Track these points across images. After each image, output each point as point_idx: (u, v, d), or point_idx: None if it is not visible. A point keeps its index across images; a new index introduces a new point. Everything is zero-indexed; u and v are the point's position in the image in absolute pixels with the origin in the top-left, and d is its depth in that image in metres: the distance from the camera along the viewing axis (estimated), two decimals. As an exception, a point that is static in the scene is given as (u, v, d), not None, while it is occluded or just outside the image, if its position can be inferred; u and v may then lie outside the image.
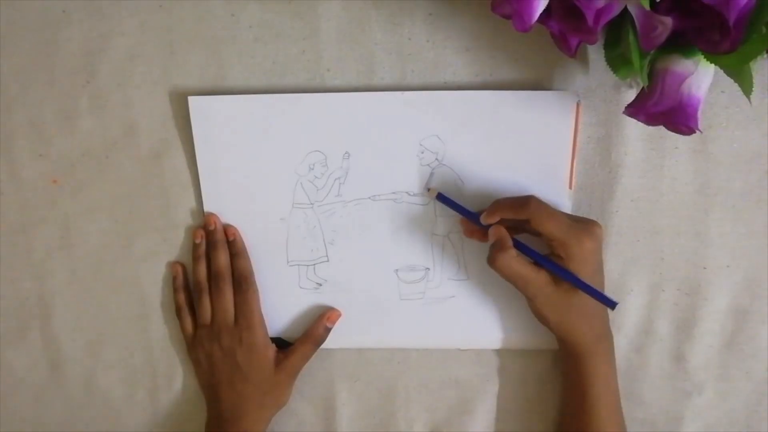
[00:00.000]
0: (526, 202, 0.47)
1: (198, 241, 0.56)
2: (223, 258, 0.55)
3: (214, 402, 0.57)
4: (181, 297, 0.58)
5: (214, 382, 0.57)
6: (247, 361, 0.55)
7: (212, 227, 0.55)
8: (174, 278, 0.58)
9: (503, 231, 0.48)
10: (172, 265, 0.58)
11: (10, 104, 0.54)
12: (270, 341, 0.57)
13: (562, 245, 0.46)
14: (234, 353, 0.55)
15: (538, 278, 0.47)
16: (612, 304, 0.47)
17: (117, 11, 0.51)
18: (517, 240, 0.49)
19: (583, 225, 0.47)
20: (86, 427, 0.62)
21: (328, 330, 0.57)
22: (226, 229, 0.55)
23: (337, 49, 0.51)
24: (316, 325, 0.57)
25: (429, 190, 0.53)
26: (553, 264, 0.47)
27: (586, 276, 0.47)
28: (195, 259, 0.57)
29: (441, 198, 0.52)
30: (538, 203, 0.47)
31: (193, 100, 0.52)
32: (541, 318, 0.50)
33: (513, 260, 0.47)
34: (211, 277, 0.56)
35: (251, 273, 0.56)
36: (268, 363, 0.56)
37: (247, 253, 0.56)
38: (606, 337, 0.51)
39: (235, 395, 0.56)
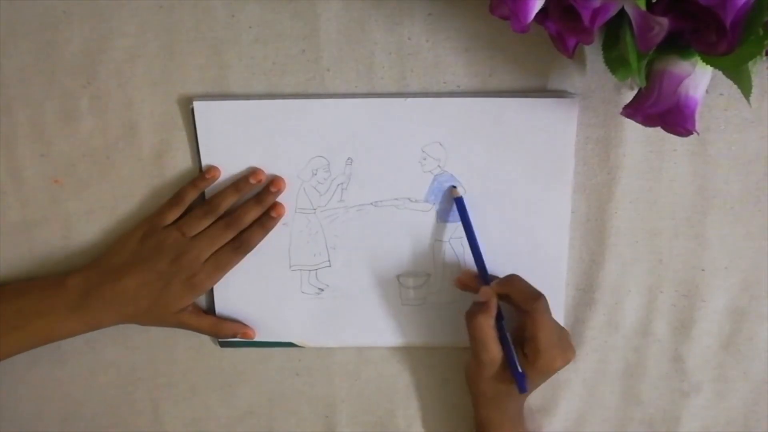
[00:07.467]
0: (537, 298, 0.49)
1: (253, 182, 0.53)
2: (253, 214, 0.53)
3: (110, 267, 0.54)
4: (192, 194, 0.54)
5: (128, 260, 0.54)
6: (172, 290, 0.53)
7: (264, 184, 0.53)
8: (204, 176, 0.54)
9: (494, 297, 0.51)
10: (209, 169, 0.54)
11: (10, 104, 0.54)
12: (199, 306, 0.57)
13: (536, 353, 0.49)
14: (173, 274, 0.53)
15: (496, 355, 0.50)
16: (523, 390, 0.50)
17: (117, 12, 0.51)
18: (499, 311, 0.51)
19: (565, 346, 0.51)
20: (86, 426, 0.62)
21: (233, 337, 0.57)
22: (275, 205, 0.54)
23: (337, 49, 0.52)
24: (232, 328, 0.57)
25: (455, 188, 0.53)
26: (513, 358, 0.50)
27: (531, 375, 0.50)
28: (233, 187, 0.53)
29: (459, 204, 0.53)
30: (544, 308, 0.49)
31: (198, 105, 0.52)
32: (472, 384, 0.53)
33: (489, 327, 0.50)
34: (226, 214, 0.54)
35: (256, 244, 0.54)
36: (179, 306, 0.54)
37: (272, 228, 0.54)
38: (518, 420, 0.55)
39: (130, 289, 0.53)
